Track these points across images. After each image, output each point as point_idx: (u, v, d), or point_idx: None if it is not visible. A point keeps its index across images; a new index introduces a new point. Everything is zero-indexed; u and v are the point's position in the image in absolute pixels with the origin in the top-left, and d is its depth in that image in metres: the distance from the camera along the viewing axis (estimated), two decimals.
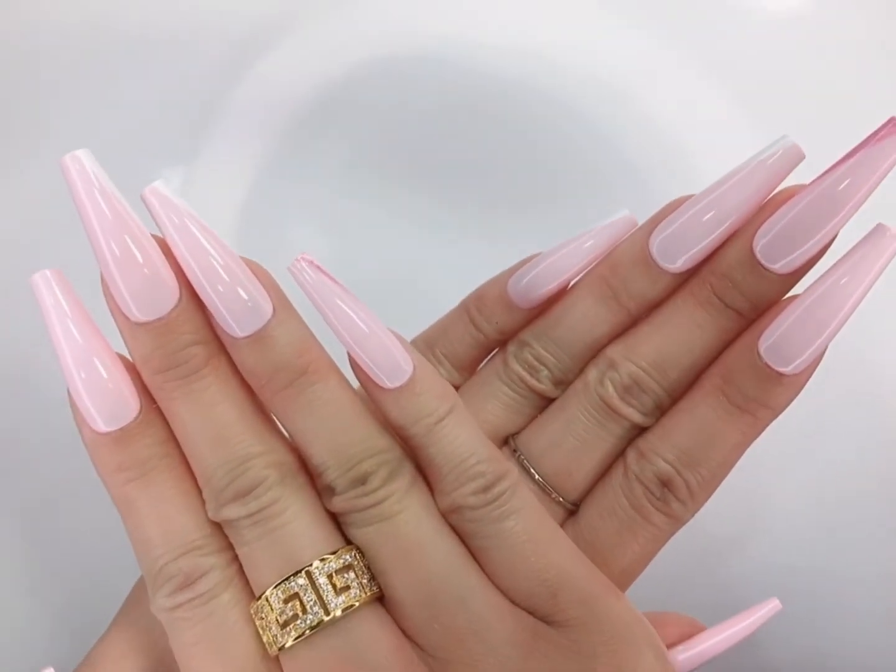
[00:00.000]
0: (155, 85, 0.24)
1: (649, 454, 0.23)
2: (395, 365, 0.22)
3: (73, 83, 0.25)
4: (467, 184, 0.35)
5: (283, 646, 0.21)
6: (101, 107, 0.35)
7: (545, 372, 0.24)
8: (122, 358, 0.22)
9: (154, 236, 0.21)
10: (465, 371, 0.26)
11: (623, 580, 0.23)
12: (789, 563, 0.33)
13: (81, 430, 0.22)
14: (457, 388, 0.25)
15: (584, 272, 0.24)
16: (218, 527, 0.22)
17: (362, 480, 0.22)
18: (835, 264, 0.21)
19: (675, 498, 0.23)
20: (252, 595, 0.22)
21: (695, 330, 0.23)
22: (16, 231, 0.35)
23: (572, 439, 0.24)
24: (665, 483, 0.23)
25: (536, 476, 0.24)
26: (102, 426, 0.22)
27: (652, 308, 0.24)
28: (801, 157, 0.22)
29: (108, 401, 0.21)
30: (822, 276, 0.21)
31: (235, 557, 0.22)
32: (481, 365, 0.26)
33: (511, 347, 0.25)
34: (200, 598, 0.21)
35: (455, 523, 0.22)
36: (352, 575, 0.21)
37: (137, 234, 0.21)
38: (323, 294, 0.21)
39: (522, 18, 0.30)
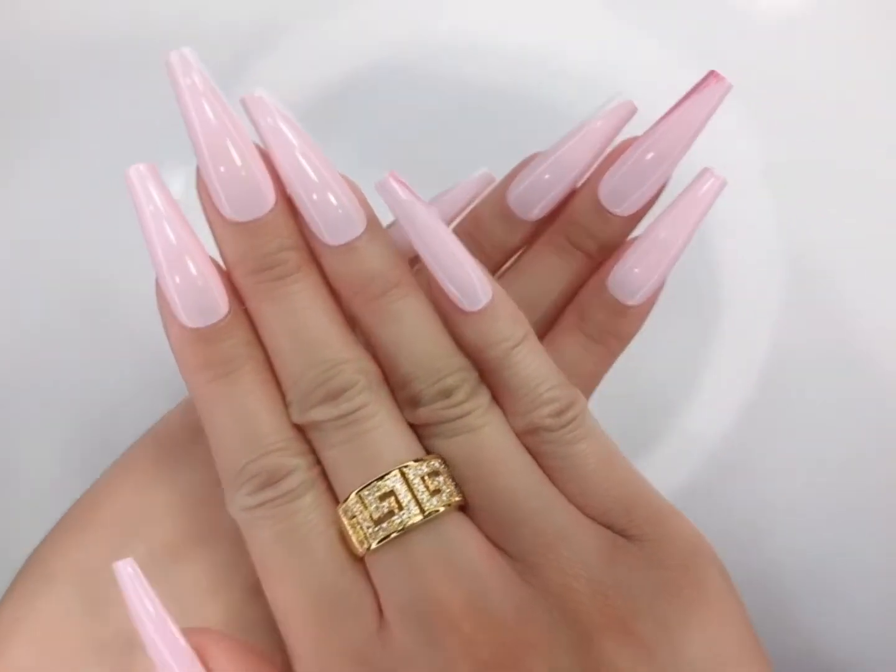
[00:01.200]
0: (155, 85, 0.24)
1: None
2: (475, 289, 0.22)
3: (73, 83, 0.25)
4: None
5: (375, 543, 0.21)
6: (101, 107, 0.35)
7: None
8: (211, 259, 0.22)
9: (254, 142, 0.22)
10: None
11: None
12: (789, 561, 0.34)
13: (169, 327, 0.22)
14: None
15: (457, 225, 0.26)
16: (299, 432, 0.22)
17: (447, 394, 0.22)
18: (667, 208, 0.24)
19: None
20: (333, 501, 0.22)
21: (552, 274, 0.25)
22: (20, 228, 0.35)
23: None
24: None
25: None
26: (190, 322, 0.22)
27: (513, 254, 0.26)
28: (634, 111, 0.24)
29: (197, 297, 0.22)
30: (657, 219, 0.24)
31: (317, 462, 0.22)
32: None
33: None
34: (284, 498, 0.21)
35: (529, 445, 0.23)
36: (441, 480, 0.22)
37: (237, 136, 0.21)
38: (412, 214, 0.22)
39: (526, 20, 0.30)
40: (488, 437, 0.22)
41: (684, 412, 0.35)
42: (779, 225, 0.34)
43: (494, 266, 0.26)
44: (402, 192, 0.22)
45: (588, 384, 0.25)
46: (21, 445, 0.35)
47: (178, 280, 0.21)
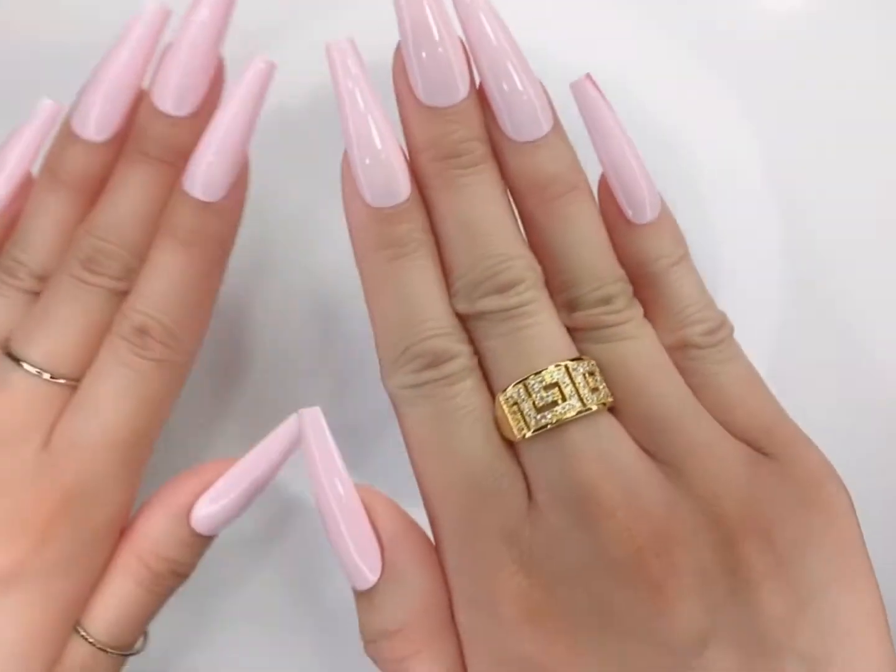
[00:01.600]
0: None
1: (127, 311, 0.24)
2: (645, 202, 0.23)
3: (72, 86, 0.26)
4: None
5: (531, 432, 0.21)
6: None
7: (25, 269, 0.25)
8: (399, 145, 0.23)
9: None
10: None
11: (134, 432, 0.25)
12: None
13: (351, 204, 0.23)
14: None
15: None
16: (461, 322, 0.23)
17: (607, 300, 0.23)
18: (224, 104, 0.24)
19: (156, 341, 0.24)
20: (489, 391, 0.23)
21: (136, 189, 0.25)
22: None
23: (54, 318, 0.25)
24: (144, 331, 0.24)
25: (23, 365, 0.24)
26: (374, 201, 0.22)
27: (103, 184, 0.25)
28: (167, 14, 0.25)
29: (384, 177, 0.22)
30: (214, 118, 0.24)
31: (476, 353, 0.23)
32: None
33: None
34: (447, 380, 0.22)
35: (677, 360, 0.23)
36: (598, 379, 0.22)
37: (442, 25, 0.22)
38: (600, 117, 0.23)
39: (525, 16, 0.30)
40: (643, 346, 0.23)
41: None
42: (780, 224, 0.33)
43: (80, 195, 0.25)
44: (592, 92, 0.23)
45: (195, 294, 0.25)
46: None
47: (367, 159, 0.22)
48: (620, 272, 0.23)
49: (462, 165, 0.22)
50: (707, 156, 0.33)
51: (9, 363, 0.25)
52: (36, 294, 0.25)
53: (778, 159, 0.33)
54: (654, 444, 0.22)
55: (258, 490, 0.25)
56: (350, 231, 0.23)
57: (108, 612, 0.25)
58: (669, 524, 0.21)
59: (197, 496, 0.25)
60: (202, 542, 0.26)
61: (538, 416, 0.21)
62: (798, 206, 0.33)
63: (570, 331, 0.23)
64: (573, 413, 0.21)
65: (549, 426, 0.21)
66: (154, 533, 0.25)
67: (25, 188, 0.26)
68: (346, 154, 0.23)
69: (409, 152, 0.23)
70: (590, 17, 0.34)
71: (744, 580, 0.21)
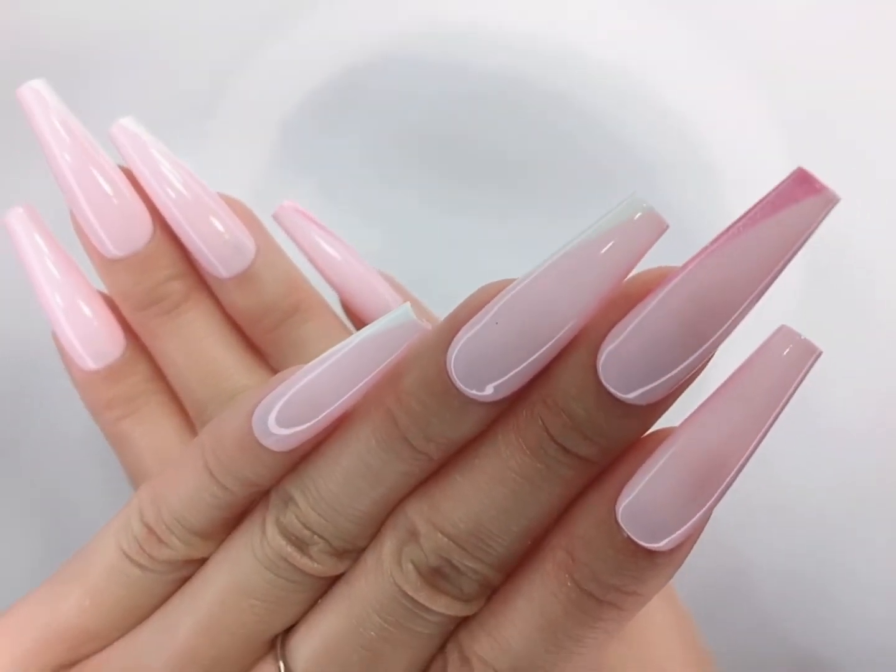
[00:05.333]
0: (163, 73, 0.24)
1: (476, 663, 0.17)
2: (386, 307, 0.22)
3: (83, 70, 0.25)
4: (481, 173, 0.34)
5: None
6: (107, 99, 0.35)
7: (320, 544, 0.17)
8: (102, 295, 0.22)
9: (122, 168, 0.21)
10: (213, 537, 0.18)
11: None
12: (790, 561, 0.33)
13: (70, 370, 0.22)
14: (202, 560, 0.18)
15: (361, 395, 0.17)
16: None
17: None
18: (720, 389, 0.14)
19: None
20: None
21: (524, 484, 0.16)
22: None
23: (362, 650, 0.17)
24: None
25: None
26: (91, 364, 0.21)
27: (463, 445, 0.16)
28: (664, 228, 0.14)
29: (93, 338, 0.21)
30: (700, 408, 0.15)
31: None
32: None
33: (272, 503, 0.17)
34: (152, 562, 0.19)
35: None
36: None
37: (105, 166, 0.20)
38: (306, 236, 0.22)
39: (542, 6, 0.30)
40: None
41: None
42: None
43: (429, 462, 0.16)
44: (295, 217, 0.22)
45: (584, 660, 0.17)
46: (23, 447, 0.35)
47: (73, 324, 0.21)
48: None
49: (165, 311, 0.21)
50: (729, 149, 0.33)
51: None
52: (328, 579, 0.18)
53: (801, 151, 0.33)
54: None
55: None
56: (79, 394, 0.22)
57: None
58: None
59: None
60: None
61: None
62: None
63: None
64: None
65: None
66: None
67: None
68: (52, 326, 0.22)
69: (116, 303, 0.22)
70: (602, 6, 0.33)
71: None
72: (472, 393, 0.15)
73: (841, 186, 0.32)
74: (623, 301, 0.15)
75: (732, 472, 0.14)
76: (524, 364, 0.15)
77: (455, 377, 0.15)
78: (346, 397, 0.16)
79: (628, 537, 0.15)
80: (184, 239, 0.21)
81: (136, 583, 0.18)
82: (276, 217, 0.22)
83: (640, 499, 0.15)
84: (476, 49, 0.34)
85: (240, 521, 0.18)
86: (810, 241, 0.32)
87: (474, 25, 0.34)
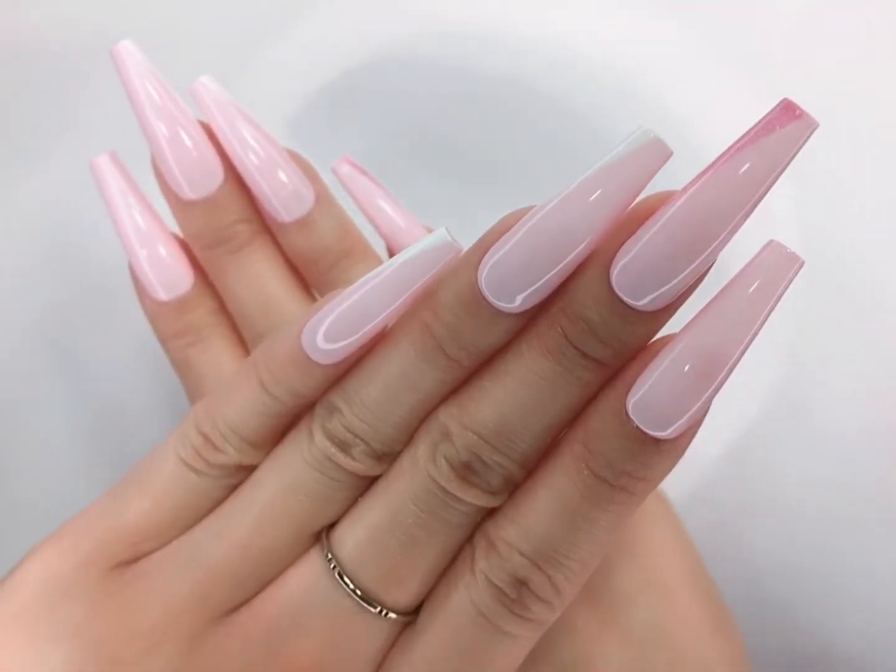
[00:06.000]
0: (163, 73, 0.25)
1: (500, 544, 0.19)
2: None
3: (84, 70, 0.26)
4: (481, 174, 0.35)
5: None
6: (107, 100, 0.35)
7: (361, 446, 0.19)
8: (175, 236, 0.25)
9: (200, 122, 0.24)
10: (264, 446, 0.20)
11: None
12: (790, 561, 0.33)
13: (143, 301, 0.24)
14: (253, 468, 0.20)
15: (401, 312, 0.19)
16: None
17: None
18: (715, 297, 0.17)
19: (537, 598, 0.19)
20: None
21: (545, 386, 0.18)
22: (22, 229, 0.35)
23: (400, 536, 0.19)
24: (522, 582, 0.18)
25: (355, 590, 0.19)
26: (163, 295, 0.24)
27: (491, 355, 0.18)
28: (669, 154, 0.16)
29: (166, 273, 0.24)
30: (699, 314, 0.17)
31: None
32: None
33: (317, 414, 0.19)
34: (214, 469, 0.21)
35: None
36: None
37: (184, 118, 0.23)
38: (364, 192, 0.25)
39: (542, 8, 0.30)
40: None
41: None
42: (799, 218, 0.33)
43: (461, 370, 0.18)
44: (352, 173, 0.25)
45: (599, 541, 0.19)
46: (21, 447, 0.35)
47: (145, 258, 0.24)
48: None
49: (233, 250, 0.24)
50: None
51: (331, 581, 0.19)
52: (368, 478, 0.20)
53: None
54: None
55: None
56: (150, 323, 0.25)
57: None
58: None
59: None
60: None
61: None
62: (819, 200, 0.34)
63: None
64: None
65: None
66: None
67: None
68: (128, 258, 0.24)
69: (188, 242, 0.25)
70: (612, 14, 0.34)
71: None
72: (501, 305, 0.17)
73: (839, 186, 0.33)
74: (632, 221, 0.17)
75: (727, 367, 0.16)
76: (546, 278, 0.17)
77: (486, 291, 0.17)
78: (386, 313, 0.18)
79: (637, 427, 0.17)
80: (252, 187, 0.23)
81: (193, 487, 0.20)
82: (334, 171, 0.25)
83: (647, 394, 0.17)
84: (476, 50, 0.34)
85: (286, 434, 0.20)
86: (810, 241, 0.32)
87: (474, 26, 0.34)
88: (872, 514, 0.32)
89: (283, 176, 0.23)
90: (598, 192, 0.16)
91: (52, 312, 0.34)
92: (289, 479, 0.19)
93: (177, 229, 0.24)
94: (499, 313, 0.17)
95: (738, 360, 0.16)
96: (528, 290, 0.17)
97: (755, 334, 0.16)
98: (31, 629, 0.19)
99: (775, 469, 0.33)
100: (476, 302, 0.17)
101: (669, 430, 0.17)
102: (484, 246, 0.17)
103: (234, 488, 0.20)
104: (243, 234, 0.24)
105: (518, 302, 0.17)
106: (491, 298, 0.17)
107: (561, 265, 0.16)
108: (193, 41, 0.34)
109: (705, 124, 0.33)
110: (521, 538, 0.18)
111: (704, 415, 0.17)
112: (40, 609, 0.19)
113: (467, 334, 0.18)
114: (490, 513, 0.19)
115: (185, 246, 0.24)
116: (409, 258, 0.17)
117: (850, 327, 0.33)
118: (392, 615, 0.19)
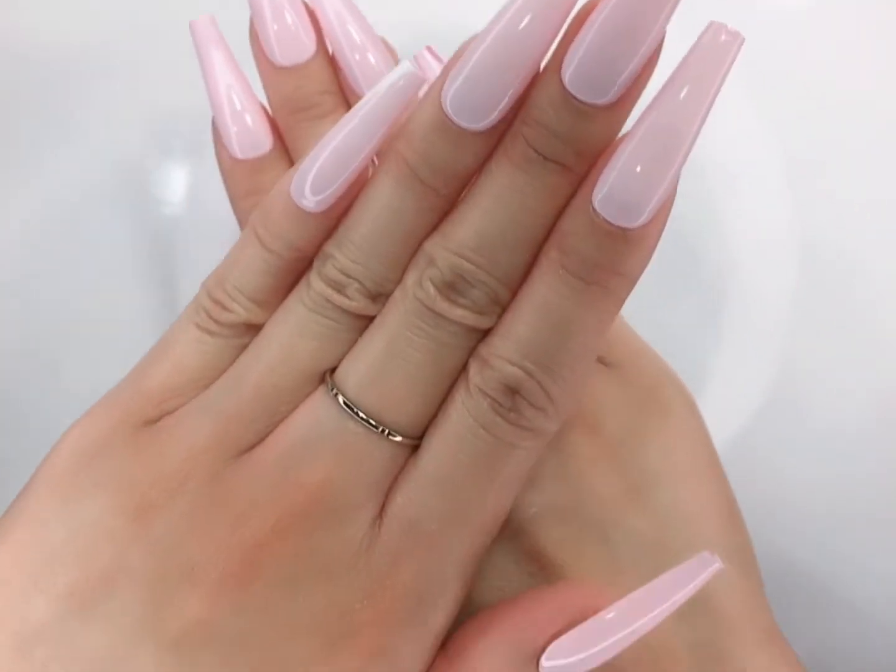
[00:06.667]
0: (164, 74, 0.24)
1: (492, 359, 0.19)
2: None
3: (84, 70, 0.25)
4: None
5: None
6: (107, 100, 0.35)
7: (355, 285, 0.20)
8: (260, 104, 0.25)
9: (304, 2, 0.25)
10: (268, 305, 0.21)
11: (494, 516, 0.20)
12: (790, 562, 0.33)
13: (220, 156, 0.25)
14: (260, 326, 0.21)
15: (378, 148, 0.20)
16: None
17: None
18: (665, 84, 0.17)
19: (531, 405, 0.19)
20: None
21: (516, 197, 0.18)
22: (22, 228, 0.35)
23: (397, 360, 0.19)
24: (515, 390, 0.19)
25: (359, 415, 0.19)
26: (239, 153, 0.24)
27: (466, 180, 0.19)
28: None
29: (248, 132, 0.24)
30: (652, 101, 0.17)
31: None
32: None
33: (315, 265, 0.20)
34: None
35: None
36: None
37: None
38: None
39: None
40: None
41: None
42: (795, 220, 0.33)
43: (440, 199, 0.19)
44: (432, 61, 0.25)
45: (584, 342, 0.19)
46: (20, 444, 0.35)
47: (233, 115, 0.24)
48: None
49: (312, 117, 0.24)
50: (721, 153, 0.33)
51: (337, 409, 0.20)
52: (365, 319, 0.20)
53: (792, 156, 0.34)
54: None
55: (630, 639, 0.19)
56: (223, 180, 0.25)
57: None
58: None
59: (552, 635, 0.19)
60: None
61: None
62: (815, 202, 0.33)
63: None
64: None
65: None
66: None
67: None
68: (214, 116, 0.25)
69: (272, 109, 0.25)
70: None
71: (571, 466, 0.22)
72: (465, 125, 0.18)
73: (833, 188, 0.32)
74: (576, 25, 0.17)
75: (685, 145, 0.17)
76: (503, 91, 0.18)
77: (450, 113, 0.18)
78: (365, 153, 0.19)
79: (605, 219, 0.18)
80: (342, 65, 0.25)
81: (209, 348, 0.21)
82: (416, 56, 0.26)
83: (610, 187, 0.17)
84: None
85: (289, 293, 0.21)
86: (804, 241, 0.32)
87: (473, 28, 0.34)
88: (871, 514, 0.32)
89: (371, 58, 0.24)
90: (544, 4, 0.17)
91: (52, 311, 0.34)
92: (293, 325, 0.20)
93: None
94: (465, 133, 0.18)
95: (695, 137, 0.17)
96: (491, 112, 0.18)
97: (708, 111, 0.17)
98: (68, 485, 0.20)
99: (773, 469, 0.33)
100: (443, 125, 0.18)
101: (638, 220, 0.17)
102: (446, 72, 0.18)
103: (246, 348, 0.21)
104: (327, 104, 0.24)
105: (482, 123, 0.18)
106: (456, 119, 0.18)
107: (516, 78, 0.17)
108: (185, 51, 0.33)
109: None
110: (509, 349, 0.19)
111: (671, 201, 0.18)
112: (77, 468, 0.20)
113: (438, 158, 0.19)
114: (483, 338, 0.20)
115: (267, 115, 0.25)
116: (378, 96, 0.19)
117: (849, 327, 0.33)
118: (397, 437, 0.19)
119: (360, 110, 0.19)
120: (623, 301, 0.19)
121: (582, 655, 0.18)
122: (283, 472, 0.19)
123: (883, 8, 0.34)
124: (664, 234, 0.27)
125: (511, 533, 0.22)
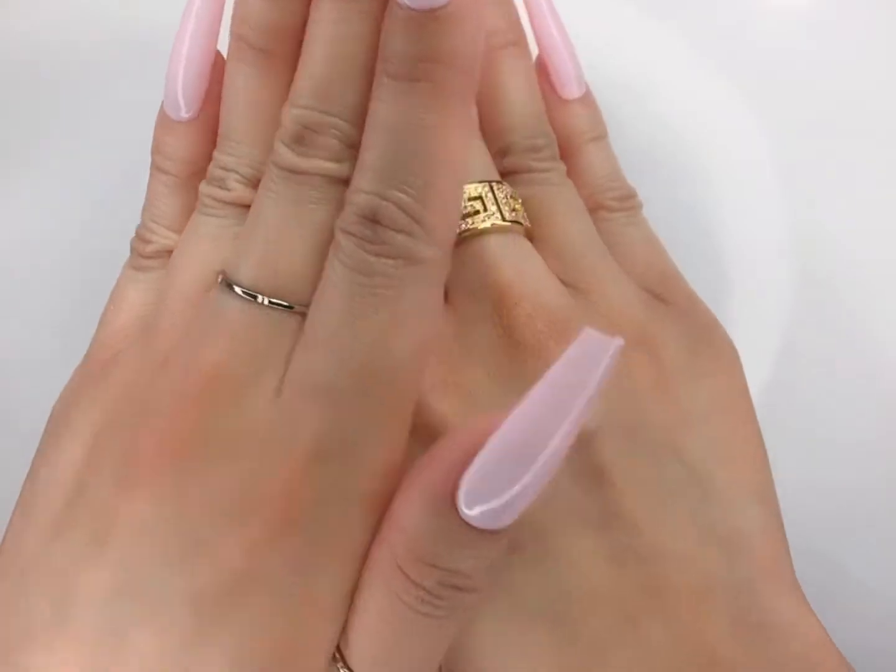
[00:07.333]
0: (157, 79, 0.24)
1: (349, 196, 0.18)
2: (571, 78, 0.26)
3: (84, 70, 0.26)
4: None
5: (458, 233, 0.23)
6: (108, 100, 0.35)
7: (233, 176, 0.20)
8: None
9: None
10: (182, 227, 0.22)
11: (402, 362, 0.19)
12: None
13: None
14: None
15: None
16: None
17: (536, 149, 0.26)
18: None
19: (394, 230, 0.18)
20: None
21: (338, 28, 0.18)
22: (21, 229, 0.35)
23: (270, 231, 0.19)
24: (374, 219, 0.18)
25: (244, 292, 0.19)
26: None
27: (299, 37, 0.19)
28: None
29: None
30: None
31: None
32: None
33: (207, 176, 0.21)
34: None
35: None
36: (519, 205, 0.25)
37: None
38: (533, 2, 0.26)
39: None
40: (563, 191, 0.26)
41: None
42: (790, 225, 0.33)
43: (291, 68, 0.20)
44: None
45: (435, 147, 0.18)
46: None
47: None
48: (549, 129, 0.26)
49: None
50: (716, 154, 0.33)
51: (226, 294, 0.19)
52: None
53: (787, 156, 0.34)
54: (563, 271, 0.25)
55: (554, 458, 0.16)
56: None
57: (365, 639, 0.19)
58: (569, 320, 0.23)
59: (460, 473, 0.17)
60: (485, 539, 0.17)
61: (460, 224, 0.23)
62: (810, 206, 0.34)
63: (501, 175, 0.25)
64: (490, 223, 0.24)
65: (468, 233, 0.23)
66: (411, 529, 0.17)
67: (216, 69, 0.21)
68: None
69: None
70: (600, 19, 0.34)
71: (630, 385, 0.23)
72: None
73: (830, 193, 0.33)
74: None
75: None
76: None
77: None
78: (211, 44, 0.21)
79: (408, 6, 0.17)
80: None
81: (144, 284, 0.22)
82: None
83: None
84: None
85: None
86: (802, 242, 0.32)
87: None
88: (871, 514, 0.32)
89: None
90: None
91: (52, 312, 0.34)
92: (189, 232, 0.21)
93: None
94: None
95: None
96: None
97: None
98: (55, 434, 0.21)
99: (773, 469, 0.33)
100: None
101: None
102: None
103: None
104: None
105: None
106: None
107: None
108: None
109: (697, 131, 0.34)
110: (361, 180, 0.18)
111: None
112: (59, 418, 0.21)
113: (262, 20, 0.19)
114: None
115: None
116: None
117: (848, 328, 0.33)
118: (283, 305, 0.19)
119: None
120: (463, 96, 0.18)
121: (506, 487, 0.16)
122: (184, 366, 0.19)
123: (882, 8, 0.34)
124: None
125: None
